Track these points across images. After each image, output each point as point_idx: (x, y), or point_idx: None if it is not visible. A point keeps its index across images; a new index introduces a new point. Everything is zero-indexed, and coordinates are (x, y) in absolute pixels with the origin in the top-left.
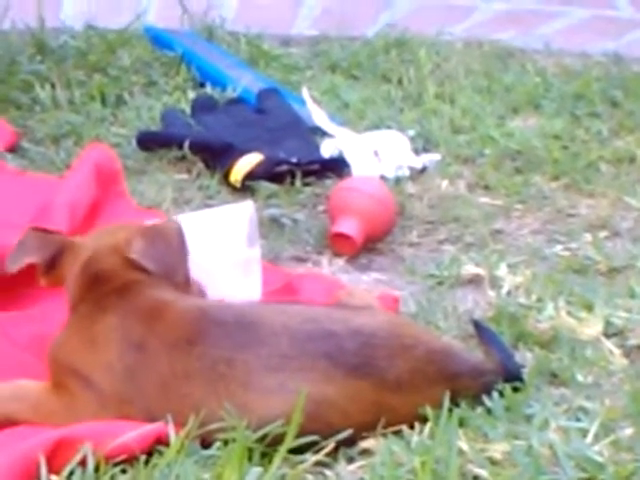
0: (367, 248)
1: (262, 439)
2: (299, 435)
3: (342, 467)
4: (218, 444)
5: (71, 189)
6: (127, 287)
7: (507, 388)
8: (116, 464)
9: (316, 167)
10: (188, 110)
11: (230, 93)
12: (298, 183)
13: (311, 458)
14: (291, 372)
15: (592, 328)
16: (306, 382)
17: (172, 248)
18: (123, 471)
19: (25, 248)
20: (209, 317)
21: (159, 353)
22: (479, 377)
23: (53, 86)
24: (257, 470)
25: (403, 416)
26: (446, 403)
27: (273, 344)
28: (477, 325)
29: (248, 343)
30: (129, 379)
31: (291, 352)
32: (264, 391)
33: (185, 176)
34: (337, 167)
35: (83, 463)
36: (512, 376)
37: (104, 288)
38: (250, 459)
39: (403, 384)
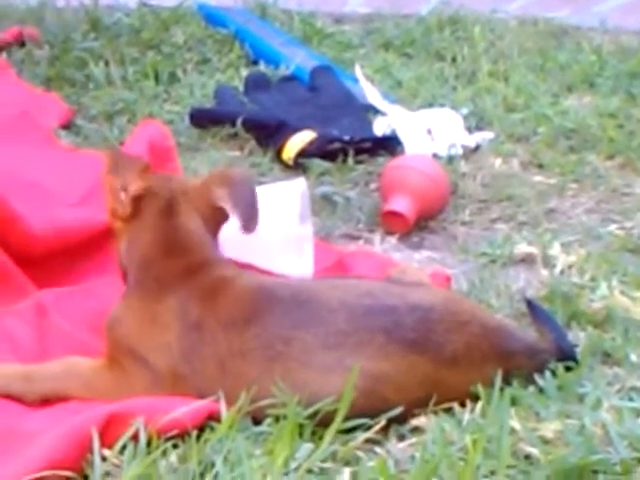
0: (419, 226)
1: (313, 416)
2: (354, 411)
3: (393, 444)
4: (269, 420)
5: None
6: (194, 268)
7: (560, 367)
8: (168, 439)
9: (368, 145)
10: (241, 87)
11: (283, 71)
12: (350, 161)
13: (362, 435)
14: (349, 349)
15: None
16: (363, 358)
17: (252, 194)
18: (175, 446)
19: (123, 162)
20: (266, 295)
21: (216, 332)
22: (533, 356)
23: (107, 63)
24: (308, 446)
25: (456, 392)
26: (498, 381)
27: (330, 321)
28: (530, 304)
29: (305, 321)
30: (186, 359)
31: (348, 328)
32: (322, 369)
33: (237, 153)
34: (390, 145)
35: (135, 438)
36: (565, 355)
37: (171, 265)
38: (301, 435)
39: (458, 360)
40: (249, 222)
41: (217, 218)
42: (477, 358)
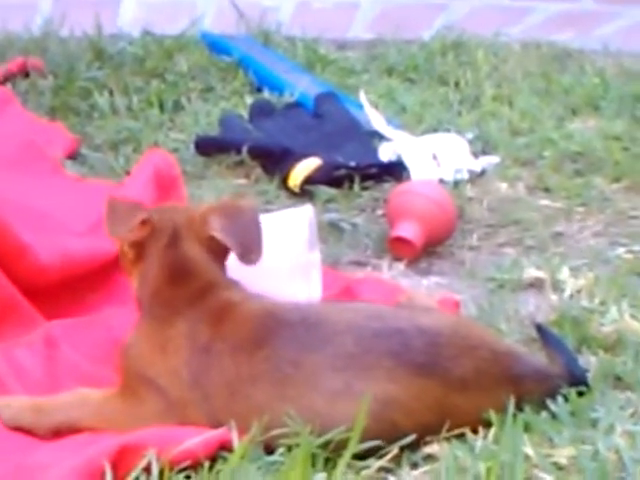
0: (427, 252)
1: (326, 444)
2: (363, 436)
3: (406, 472)
4: (282, 450)
5: (130, 195)
6: (203, 291)
7: (572, 393)
8: (180, 470)
9: (374, 171)
10: (246, 115)
11: (287, 97)
12: (356, 187)
13: (375, 464)
14: (357, 371)
15: None
16: (371, 381)
17: (251, 225)
18: (187, 477)
19: (120, 215)
20: (275, 318)
21: (225, 355)
22: (544, 380)
23: (111, 92)
24: (321, 476)
25: (467, 418)
26: (511, 407)
27: (338, 343)
28: (540, 329)
29: (314, 343)
30: (195, 383)
31: (356, 351)
32: (330, 392)
33: (244, 181)
34: (395, 171)
35: (148, 469)
36: (577, 380)
37: (181, 290)
38: (314, 465)
39: (468, 384)
40: (247, 254)
41: (220, 247)
42: (487, 383)
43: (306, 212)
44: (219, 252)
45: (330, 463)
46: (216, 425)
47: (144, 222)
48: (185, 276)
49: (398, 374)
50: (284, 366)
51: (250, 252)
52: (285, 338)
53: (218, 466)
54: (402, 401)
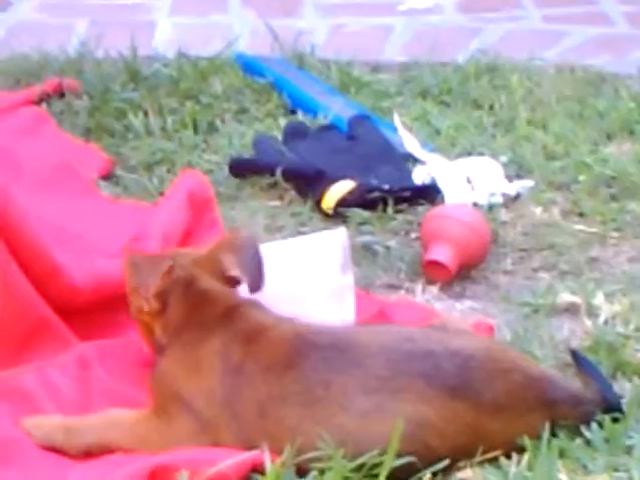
0: (461, 276)
1: (360, 468)
2: (396, 458)
3: None
4: (314, 473)
5: (164, 216)
6: (230, 311)
7: (606, 419)
8: None
9: (408, 194)
10: (280, 137)
11: (321, 120)
12: (390, 210)
13: None
14: (388, 393)
15: None
16: (403, 403)
17: (257, 257)
18: None
19: (145, 268)
20: (305, 340)
21: (256, 377)
22: (578, 406)
23: (146, 114)
24: None
25: (500, 442)
26: (546, 433)
27: (369, 365)
28: (575, 355)
29: (344, 365)
30: (227, 404)
31: (387, 373)
32: (361, 413)
33: (277, 203)
34: (429, 194)
35: None
36: (611, 406)
37: (208, 313)
38: None
39: (500, 408)
40: (257, 284)
41: (229, 281)
42: (520, 407)
43: (339, 235)
44: (230, 285)
45: None
46: (247, 446)
47: (169, 270)
48: (210, 302)
49: (430, 396)
50: (315, 387)
51: (259, 282)
52: (316, 360)
53: None
54: (434, 423)
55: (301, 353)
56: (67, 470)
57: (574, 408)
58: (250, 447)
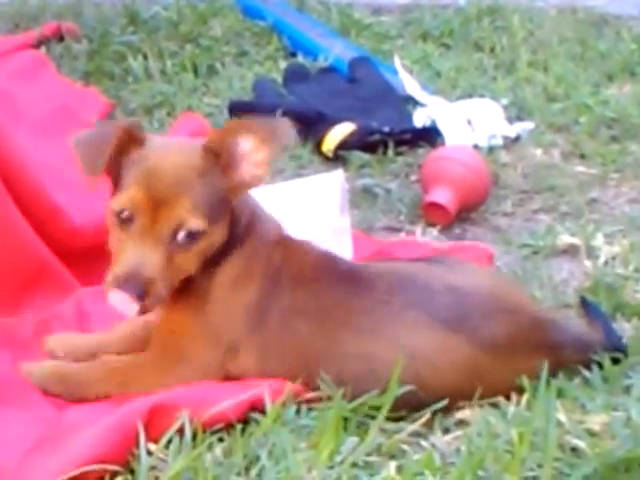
0: (461, 217)
1: (358, 408)
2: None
3: (438, 438)
4: (314, 413)
5: None
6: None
7: (605, 359)
8: (213, 432)
9: (408, 136)
10: (280, 80)
11: (322, 62)
12: (390, 153)
13: (407, 428)
14: (384, 316)
15: None
16: (396, 329)
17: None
18: (220, 439)
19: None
20: (330, 261)
21: (286, 286)
22: (583, 348)
23: (145, 57)
24: (353, 440)
25: (499, 382)
26: (545, 374)
27: (374, 290)
28: (583, 300)
29: (354, 288)
30: (258, 312)
31: (386, 297)
32: (358, 330)
33: None
34: (430, 136)
35: (180, 431)
36: (615, 348)
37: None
38: (346, 428)
39: (501, 347)
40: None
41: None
42: (524, 348)
43: (338, 177)
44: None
45: (363, 427)
46: (263, 366)
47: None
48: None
49: (422, 326)
50: (327, 304)
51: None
52: (335, 280)
53: (251, 429)
54: (426, 354)
55: (325, 272)
56: (65, 409)
57: (579, 351)
58: (266, 368)
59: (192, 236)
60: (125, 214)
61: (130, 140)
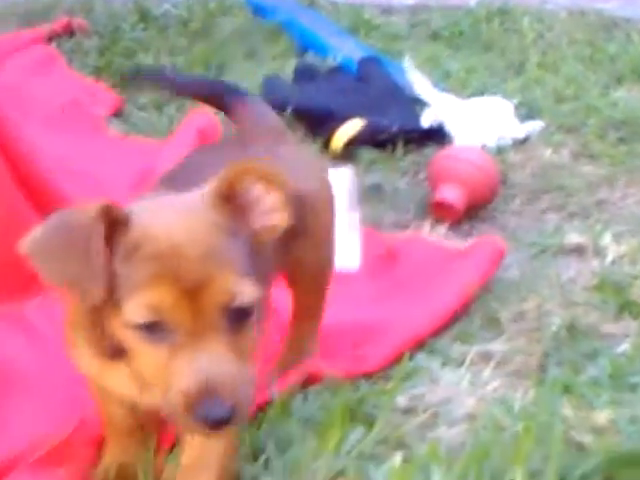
0: (469, 216)
1: (363, 399)
2: None
3: (443, 430)
4: (320, 402)
5: (173, 154)
6: None
7: (612, 356)
8: None
9: (417, 135)
10: (289, 78)
11: (331, 61)
12: (399, 151)
13: (413, 420)
14: None
15: None
16: None
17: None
18: None
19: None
20: None
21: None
22: None
23: (155, 53)
24: (360, 430)
25: None
26: (551, 369)
27: None
28: None
29: None
30: None
31: None
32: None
33: None
34: (438, 136)
35: None
36: None
37: None
38: (352, 419)
39: None
40: None
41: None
42: None
43: (346, 173)
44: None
45: (369, 420)
46: None
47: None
48: None
49: None
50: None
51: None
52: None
53: (257, 418)
54: None
55: None
56: None
57: None
58: None
59: (248, 308)
60: (151, 323)
61: (112, 225)
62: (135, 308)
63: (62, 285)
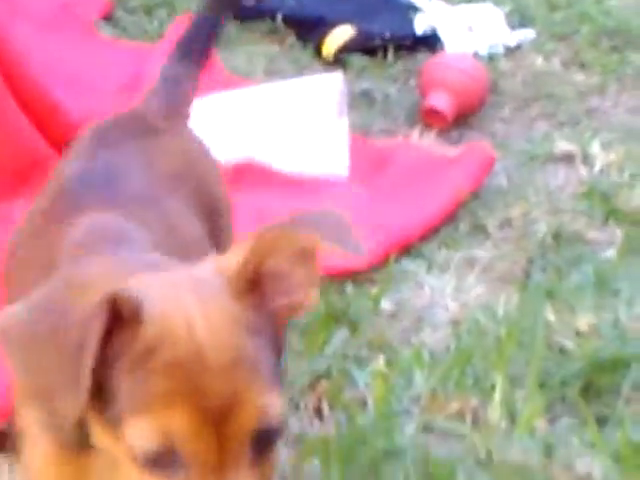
0: (458, 123)
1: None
2: None
3: (427, 335)
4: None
5: (163, 58)
6: None
7: (596, 262)
8: None
9: (409, 42)
10: None
11: None
12: (390, 57)
13: (397, 324)
14: None
15: None
16: None
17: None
18: None
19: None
20: None
21: None
22: None
23: None
24: (344, 332)
25: None
26: (534, 274)
27: None
28: None
29: None
30: None
31: None
32: None
33: (277, 48)
34: (430, 43)
35: None
36: None
37: None
38: (337, 322)
39: None
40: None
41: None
42: None
43: (337, 79)
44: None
45: (354, 322)
46: None
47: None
48: None
49: None
50: None
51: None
52: None
53: None
54: None
55: None
56: None
57: None
58: None
59: (277, 430)
60: (160, 453)
61: (117, 319)
62: (141, 431)
63: (31, 386)
